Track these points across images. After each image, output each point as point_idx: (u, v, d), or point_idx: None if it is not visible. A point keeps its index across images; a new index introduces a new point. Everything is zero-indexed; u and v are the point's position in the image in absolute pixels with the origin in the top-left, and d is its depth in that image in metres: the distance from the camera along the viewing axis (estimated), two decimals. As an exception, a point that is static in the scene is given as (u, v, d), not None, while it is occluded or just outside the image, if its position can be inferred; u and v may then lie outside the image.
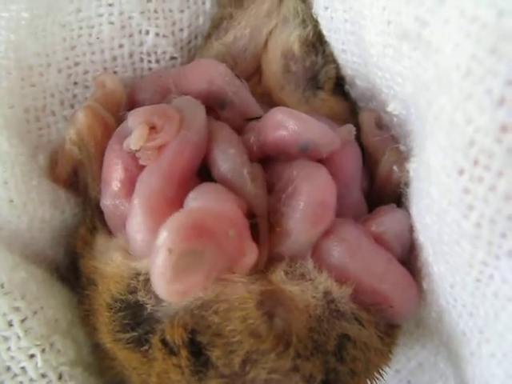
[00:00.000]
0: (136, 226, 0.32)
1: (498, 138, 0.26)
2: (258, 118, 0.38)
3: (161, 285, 0.29)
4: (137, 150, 0.32)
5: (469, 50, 0.26)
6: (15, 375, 0.34)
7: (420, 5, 0.30)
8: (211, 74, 0.38)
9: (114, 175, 0.34)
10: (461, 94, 0.27)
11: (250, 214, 0.33)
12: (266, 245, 0.33)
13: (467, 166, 0.27)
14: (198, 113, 0.34)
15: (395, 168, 0.37)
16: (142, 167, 0.32)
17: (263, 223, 0.33)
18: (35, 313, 0.34)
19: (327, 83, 0.42)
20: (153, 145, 0.31)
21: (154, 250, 0.29)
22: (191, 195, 0.32)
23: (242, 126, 0.38)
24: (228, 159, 0.33)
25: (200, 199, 0.32)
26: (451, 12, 0.28)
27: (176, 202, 0.32)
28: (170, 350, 0.31)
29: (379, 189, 0.39)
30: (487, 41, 0.26)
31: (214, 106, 0.38)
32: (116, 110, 0.38)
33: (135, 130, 0.31)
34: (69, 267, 0.40)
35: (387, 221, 0.36)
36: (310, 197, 0.32)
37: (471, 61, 0.26)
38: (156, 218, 0.32)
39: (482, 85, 0.26)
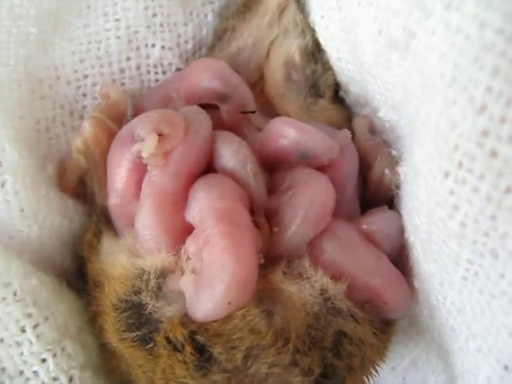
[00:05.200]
0: (145, 221, 0.34)
1: (480, 143, 0.27)
2: (252, 112, 0.40)
3: None
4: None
5: (453, 60, 0.28)
6: (28, 379, 0.35)
7: (408, 16, 0.32)
8: (213, 69, 0.39)
9: (121, 176, 0.36)
10: (445, 101, 0.28)
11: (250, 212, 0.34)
12: (266, 237, 0.34)
13: (452, 169, 0.29)
14: (203, 118, 0.35)
15: (387, 171, 0.39)
16: (147, 167, 0.34)
17: (261, 218, 0.35)
18: (46, 319, 0.36)
19: (327, 91, 0.44)
20: (161, 151, 0.33)
21: None
22: (197, 186, 0.34)
23: (239, 119, 0.40)
24: (232, 155, 0.35)
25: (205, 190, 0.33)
26: (437, 24, 0.29)
27: (182, 199, 0.34)
28: (174, 346, 0.33)
29: (372, 191, 0.40)
30: (470, 51, 0.27)
31: (215, 100, 0.40)
32: (120, 119, 0.40)
33: (146, 140, 0.32)
34: (75, 273, 0.41)
35: (378, 221, 0.37)
36: (311, 199, 0.34)
37: (455, 70, 0.28)
38: (164, 215, 0.34)
39: (465, 93, 0.27)
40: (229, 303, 0.31)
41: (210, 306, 0.31)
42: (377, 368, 0.37)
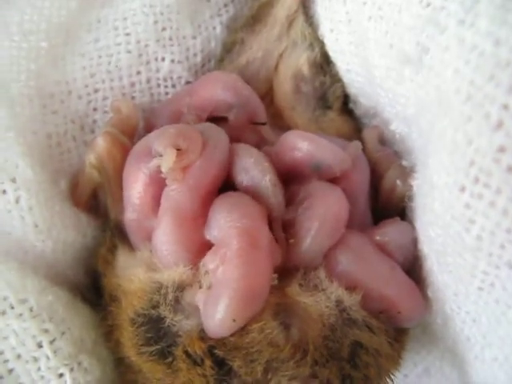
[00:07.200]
0: (163, 237, 0.34)
1: (496, 159, 0.28)
2: (262, 124, 0.40)
3: None
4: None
5: (468, 76, 0.28)
6: None
7: (421, 32, 0.32)
8: (225, 81, 0.40)
9: (138, 190, 0.36)
10: (461, 117, 0.29)
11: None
12: (283, 247, 0.34)
13: (468, 184, 0.29)
14: (220, 133, 0.36)
15: (399, 183, 0.39)
16: (164, 182, 0.34)
17: (280, 233, 0.35)
18: (63, 333, 0.36)
19: (336, 102, 0.44)
20: (180, 166, 0.33)
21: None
22: (217, 204, 0.34)
23: (247, 129, 0.40)
24: (250, 167, 0.35)
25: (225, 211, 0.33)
26: (451, 40, 0.30)
27: (201, 215, 0.34)
28: (194, 360, 0.33)
29: (384, 202, 0.40)
30: (485, 68, 0.28)
31: (226, 112, 0.40)
32: (132, 133, 0.40)
33: (165, 155, 0.33)
34: (89, 287, 0.41)
35: (391, 232, 0.38)
36: (326, 211, 0.34)
37: (470, 86, 0.28)
38: (183, 231, 0.34)
39: (481, 109, 0.28)
40: (233, 320, 0.31)
41: (216, 323, 0.32)
42: (391, 377, 0.37)
